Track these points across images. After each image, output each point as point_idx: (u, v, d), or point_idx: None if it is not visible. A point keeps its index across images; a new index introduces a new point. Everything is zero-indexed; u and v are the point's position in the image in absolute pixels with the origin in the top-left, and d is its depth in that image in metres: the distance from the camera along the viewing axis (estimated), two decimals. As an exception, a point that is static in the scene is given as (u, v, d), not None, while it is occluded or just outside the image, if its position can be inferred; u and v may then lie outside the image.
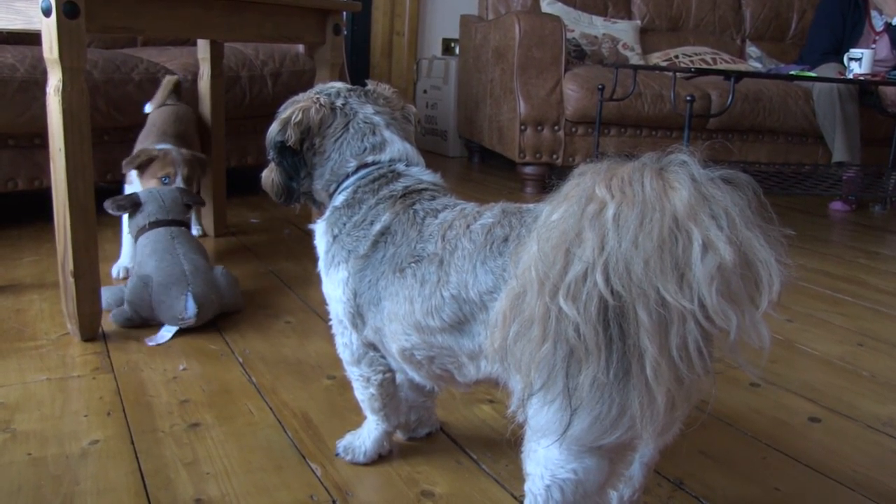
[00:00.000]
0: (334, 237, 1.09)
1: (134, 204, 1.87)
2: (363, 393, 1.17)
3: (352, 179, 1.10)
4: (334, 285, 1.09)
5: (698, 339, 0.67)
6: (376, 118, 1.12)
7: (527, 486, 0.86)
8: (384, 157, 1.10)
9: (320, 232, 1.12)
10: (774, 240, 0.69)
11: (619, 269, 0.66)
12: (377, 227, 1.04)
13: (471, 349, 0.95)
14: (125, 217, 1.87)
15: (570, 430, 0.73)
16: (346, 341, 1.13)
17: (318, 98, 1.11)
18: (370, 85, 1.18)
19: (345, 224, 1.07)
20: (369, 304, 1.04)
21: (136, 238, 1.86)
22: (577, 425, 0.73)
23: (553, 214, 0.71)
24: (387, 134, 1.12)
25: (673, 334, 0.66)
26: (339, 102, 1.12)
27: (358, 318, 1.07)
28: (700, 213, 0.66)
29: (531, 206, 0.95)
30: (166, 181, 2.00)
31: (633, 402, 0.69)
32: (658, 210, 0.66)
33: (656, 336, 0.66)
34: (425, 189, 1.08)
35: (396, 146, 1.12)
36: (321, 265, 1.12)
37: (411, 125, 1.19)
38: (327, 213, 1.12)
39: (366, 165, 1.10)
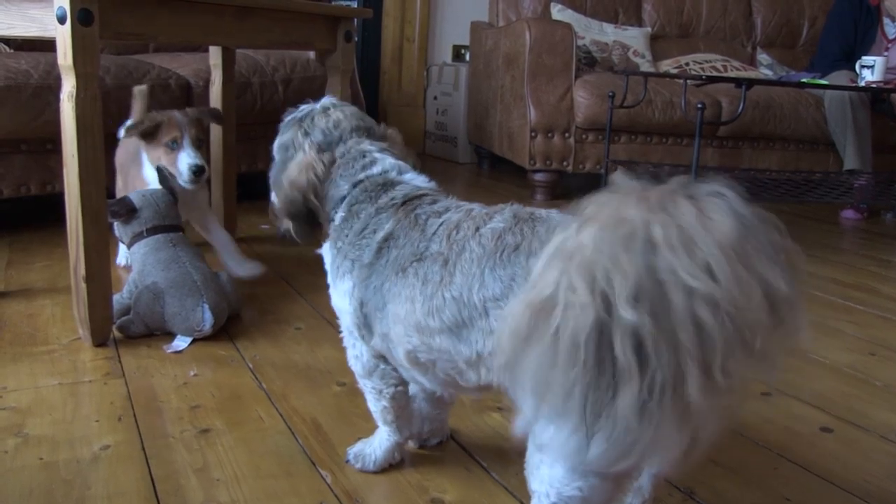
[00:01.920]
0: (338, 249, 1.09)
1: (129, 210, 1.81)
2: (375, 405, 1.17)
3: (346, 198, 1.10)
4: (341, 296, 1.09)
5: (737, 360, 0.64)
6: (369, 146, 1.13)
7: None
8: (375, 170, 1.11)
9: (326, 249, 1.13)
10: (799, 279, 0.67)
11: (706, 272, 0.62)
12: (380, 234, 1.04)
13: (468, 356, 0.93)
14: (116, 223, 1.81)
15: (589, 454, 0.69)
16: (356, 353, 1.13)
17: (321, 159, 1.12)
18: (382, 128, 1.19)
19: (346, 234, 1.08)
20: (375, 310, 1.03)
21: (130, 245, 1.81)
22: (595, 450, 0.69)
23: (583, 237, 0.67)
24: (378, 155, 1.12)
25: (717, 354, 0.63)
26: (339, 152, 1.13)
27: (365, 328, 1.07)
28: (748, 247, 0.64)
29: (543, 212, 0.95)
30: (174, 146, 1.96)
31: (668, 425, 0.65)
32: (703, 233, 0.63)
33: (698, 355, 0.63)
34: (425, 195, 1.07)
35: (388, 161, 1.12)
36: (329, 279, 1.13)
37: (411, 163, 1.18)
38: (330, 233, 1.12)
39: (359, 182, 1.10)
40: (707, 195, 0.66)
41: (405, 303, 0.97)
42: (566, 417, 0.69)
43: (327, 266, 1.13)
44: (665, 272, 0.62)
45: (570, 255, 0.66)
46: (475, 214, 0.98)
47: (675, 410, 0.65)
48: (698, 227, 0.63)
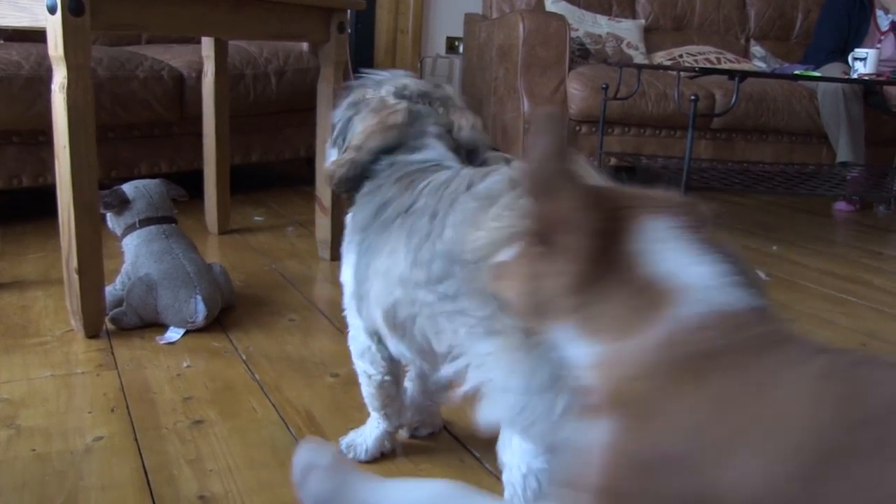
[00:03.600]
0: (352, 218, 1.07)
1: (122, 201, 1.79)
2: (365, 389, 1.17)
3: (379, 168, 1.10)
4: (346, 266, 1.08)
5: None
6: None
7: (504, 477, 0.85)
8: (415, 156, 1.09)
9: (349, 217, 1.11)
10: None
11: None
12: (378, 199, 1.02)
13: (452, 308, 0.88)
14: (108, 215, 1.80)
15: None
16: (354, 333, 1.12)
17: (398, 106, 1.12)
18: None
19: (363, 208, 1.05)
20: (364, 270, 1.00)
21: (122, 236, 1.80)
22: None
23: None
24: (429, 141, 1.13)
25: None
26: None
27: (357, 298, 1.04)
28: None
29: None
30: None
31: None
32: None
33: None
34: (429, 168, 1.04)
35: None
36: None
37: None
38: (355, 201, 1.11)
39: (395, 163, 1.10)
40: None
41: (387, 257, 0.94)
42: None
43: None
44: None
45: None
46: (465, 173, 0.93)
47: None
48: None
